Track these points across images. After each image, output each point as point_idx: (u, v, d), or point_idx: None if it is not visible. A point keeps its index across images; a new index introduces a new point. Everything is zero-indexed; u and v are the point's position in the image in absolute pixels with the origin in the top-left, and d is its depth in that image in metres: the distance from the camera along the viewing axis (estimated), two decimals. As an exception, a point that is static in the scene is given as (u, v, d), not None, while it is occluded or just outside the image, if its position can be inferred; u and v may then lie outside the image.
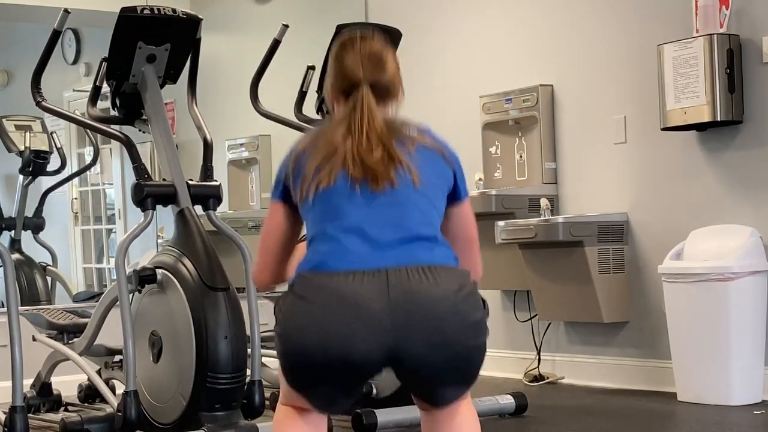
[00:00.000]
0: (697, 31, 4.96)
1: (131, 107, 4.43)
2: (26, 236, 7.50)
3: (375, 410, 4.38)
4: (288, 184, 2.38)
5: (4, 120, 7.31)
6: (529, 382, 5.74)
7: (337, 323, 2.19)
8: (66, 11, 4.35)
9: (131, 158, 4.30)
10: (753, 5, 4.89)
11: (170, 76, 4.42)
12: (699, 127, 5.03)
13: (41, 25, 6.62)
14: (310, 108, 4.94)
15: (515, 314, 6.01)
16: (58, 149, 7.57)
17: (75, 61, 9.33)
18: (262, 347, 4.30)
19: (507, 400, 4.73)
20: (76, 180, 8.90)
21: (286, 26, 4.89)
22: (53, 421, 4.57)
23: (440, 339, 2.21)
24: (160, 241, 7.03)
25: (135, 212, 4.77)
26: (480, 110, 6.03)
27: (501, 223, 5.58)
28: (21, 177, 7.41)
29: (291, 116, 4.97)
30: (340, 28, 4.69)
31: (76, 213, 9.50)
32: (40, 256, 7.57)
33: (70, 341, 4.70)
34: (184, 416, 4.05)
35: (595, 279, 5.34)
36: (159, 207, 4.30)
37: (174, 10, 4.34)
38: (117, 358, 4.57)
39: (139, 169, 4.26)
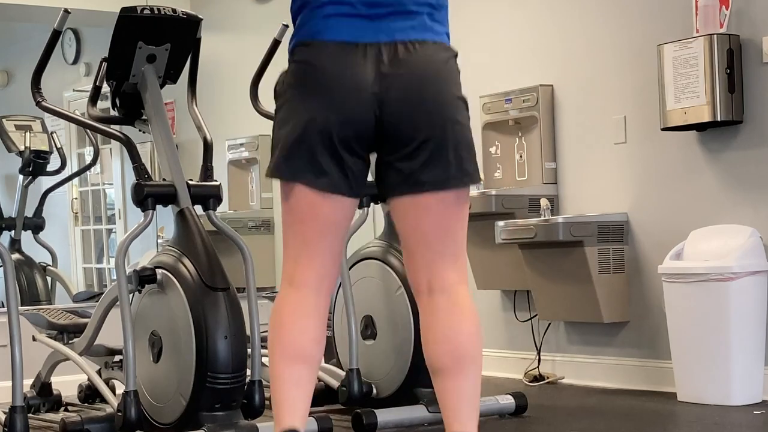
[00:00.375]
0: (697, 31, 4.96)
1: (131, 107, 4.43)
2: (26, 236, 7.50)
3: (375, 410, 4.38)
4: None
5: (4, 120, 7.31)
6: (529, 382, 5.74)
7: (336, 87, 2.28)
8: (66, 11, 4.35)
9: (131, 158, 4.30)
10: (753, 5, 4.89)
11: (170, 76, 4.42)
12: (699, 127, 5.03)
13: (41, 25, 6.62)
14: (309, 108, 4.93)
15: (515, 314, 6.01)
16: (58, 149, 7.57)
17: (75, 61, 9.34)
18: (262, 347, 4.30)
19: (507, 400, 4.73)
20: (76, 180, 8.91)
21: (286, 26, 4.89)
22: (53, 421, 4.57)
23: (420, 102, 2.28)
24: (160, 241, 7.03)
25: (135, 212, 4.77)
26: (480, 110, 6.03)
27: (501, 223, 5.58)
28: (21, 177, 7.42)
29: (291, 116, 4.96)
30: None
31: (76, 213, 9.51)
32: (40, 256, 7.57)
33: (70, 341, 4.70)
34: (184, 416, 4.05)
35: (595, 279, 5.34)
36: (159, 207, 4.30)
37: (174, 10, 4.34)
38: (117, 358, 4.57)
39: (139, 169, 4.26)
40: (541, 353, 5.82)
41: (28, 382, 4.69)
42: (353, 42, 2.29)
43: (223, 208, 5.01)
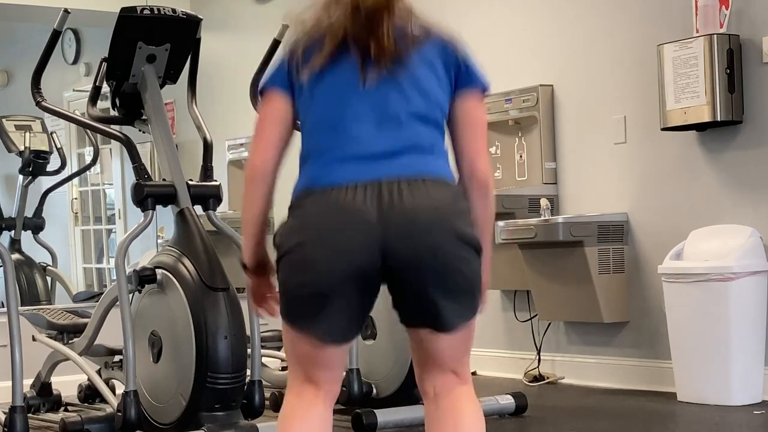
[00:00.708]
0: (697, 31, 4.96)
1: (131, 107, 4.43)
2: (26, 236, 7.50)
3: (375, 410, 4.38)
4: (291, 70, 2.33)
5: (4, 120, 7.31)
6: (529, 382, 5.74)
7: (335, 234, 2.22)
8: (66, 11, 4.36)
9: (131, 158, 4.31)
10: (753, 5, 4.89)
11: (170, 76, 4.43)
12: (699, 127, 5.02)
13: (41, 25, 6.62)
14: (310, 108, 4.93)
15: (515, 314, 6.01)
16: (58, 149, 7.57)
17: (75, 61, 9.34)
18: (262, 347, 4.31)
19: (507, 400, 4.73)
20: (76, 180, 8.92)
21: (286, 26, 4.88)
22: (53, 421, 4.57)
23: (428, 245, 2.22)
24: (160, 241, 7.04)
25: (135, 212, 4.78)
26: (480, 110, 6.01)
27: (501, 223, 5.58)
28: (21, 177, 7.42)
29: (291, 116, 4.96)
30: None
31: (76, 213, 9.52)
32: (40, 256, 7.58)
33: (70, 341, 4.70)
34: (184, 416, 4.05)
35: (595, 279, 5.34)
36: (159, 207, 4.30)
37: (174, 10, 4.35)
38: (117, 358, 4.57)
39: (139, 169, 4.27)
40: (541, 353, 5.82)
41: (28, 382, 4.69)
42: (353, 183, 2.22)
43: (223, 208, 5.02)
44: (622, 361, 5.47)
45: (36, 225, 7.54)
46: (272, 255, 2.38)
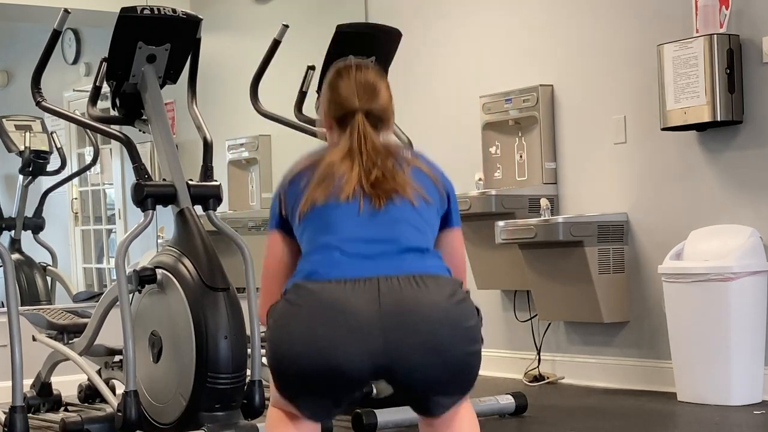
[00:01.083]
0: (697, 31, 4.96)
1: (131, 107, 4.43)
2: (26, 236, 7.49)
3: (375, 410, 4.38)
4: (284, 211, 2.40)
5: (4, 120, 7.31)
6: (529, 382, 5.74)
7: (325, 329, 2.20)
8: (66, 11, 4.36)
9: (131, 158, 4.30)
10: (753, 5, 4.89)
11: (170, 76, 4.43)
12: (699, 127, 5.02)
13: (41, 25, 6.62)
14: (310, 108, 4.94)
15: (515, 314, 6.01)
16: (58, 149, 7.57)
17: (75, 61, 9.33)
18: (262, 347, 4.30)
19: (507, 400, 4.73)
20: (76, 180, 8.90)
21: (286, 26, 4.89)
22: (53, 421, 4.57)
23: (432, 346, 2.21)
24: (160, 241, 7.03)
25: (135, 212, 4.77)
26: (480, 110, 6.03)
27: (501, 223, 5.58)
28: (21, 177, 7.41)
29: (291, 116, 4.97)
30: (339, 28, 4.70)
31: (76, 213, 9.50)
32: (40, 256, 7.57)
33: (70, 341, 4.70)
34: (184, 416, 4.05)
35: (595, 279, 5.34)
36: (159, 207, 4.30)
37: (174, 10, 4.34)
38: (117, 358, 4.57)
39: (139, 169, 4.26)
40: (541, 353, 5.82)
41: (28, 382, 4.69)
42: (352, 278, 2.23)
43: (223, 208, 5.01)
44: (622, 361, 5.47)
45: (36, 225, 7.54)
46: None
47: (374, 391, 4.68)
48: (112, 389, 4.50)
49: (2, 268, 4.30)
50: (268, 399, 4.39)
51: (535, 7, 5.95)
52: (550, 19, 5.87)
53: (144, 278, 4.16)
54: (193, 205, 4.28)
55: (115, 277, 4.31)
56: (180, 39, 4.36)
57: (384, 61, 4.51)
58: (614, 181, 5.52)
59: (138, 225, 4.23)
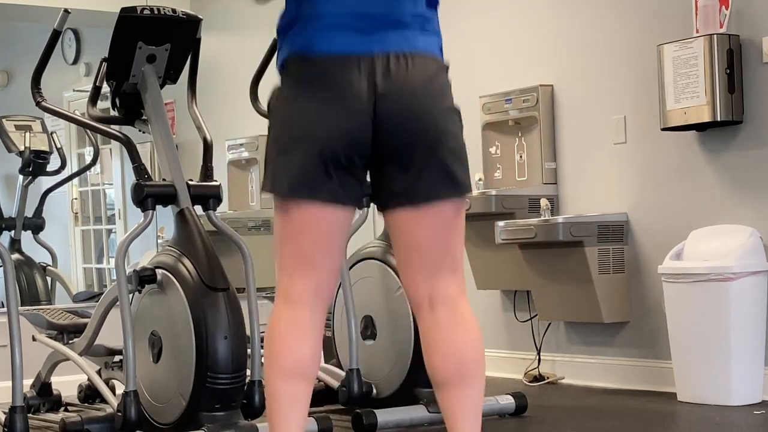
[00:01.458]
0: (697, 31, 4.96)
1: (131, 107, 4.43)
2: (26, 236, 7.50)
3: (375, 410, 4.38)
4: None
5: (4, 120, 7.31)
6: (529, 382, 5.74)
7: (332, 101, 2.27)
8: (66, 11, 4.36)
9: (131, 158, 4.30)
10: (753, 5, 4.89)
11: (170, 76, 4.42)
12: (699, 127, 5.03)
13: (41, 25, 6.62)
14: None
15: (515, 314, 6.01)
16: (58, 149, 7.57)
17: (75, 61, 9.33)
18: (262, 347, 4.30)
19: (507, 400, 4.73)
20: (76, 180, 8.91)
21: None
22: (53, 421, 4.56)
23: (415, 115, 2.29)
24: (160, 241, 7.03)
25: (135, 212, 4.77)
26: (480, 110, 6.03)
27: (501, 223, 5.58)
28: (21, 177, 7.42)
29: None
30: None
31: (76, 213, 9.51)
32: (40, 256, 7.57)
33: (70, 341, 4.70)
34: (184, 416, 4.05)
35: (595, 279, 5.34)
36: (159, 207, 4.30)
37: (174, 10, 4.34)
38: (117, 358, 4.57)
39: (139, 169, 4.26)
40: (541, 353, 5.82)
41: (28, 382, 4.69)
42: (347, 54, 2.28)
43: (223, 208, 5.02)
44: (622, 361, 5.47)
45: (36, 225, 7.54)
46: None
47: (374, 391, 4.69)
48: (112, 389, 4.50)
49: (2, 268, 4.30)
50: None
51: (535, 8, 5.95)
52: (550, 20, 5.87)
53: (144, 278, 4.16)
54: (193, 205, 4.28)
55: (115, 277, 4.31)
56: (180, 39, 4.36)
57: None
58: (614, 181, 5.52)
59: (138, 225, 4.23)
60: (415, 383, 4.56)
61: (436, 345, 2.35)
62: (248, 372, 4.15)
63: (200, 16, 4.47)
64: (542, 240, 5.41)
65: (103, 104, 4.82)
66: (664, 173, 5.29)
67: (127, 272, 4.13)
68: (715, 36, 4.87)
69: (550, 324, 5.81)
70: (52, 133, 7.50)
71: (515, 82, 5.93)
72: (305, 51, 2.32)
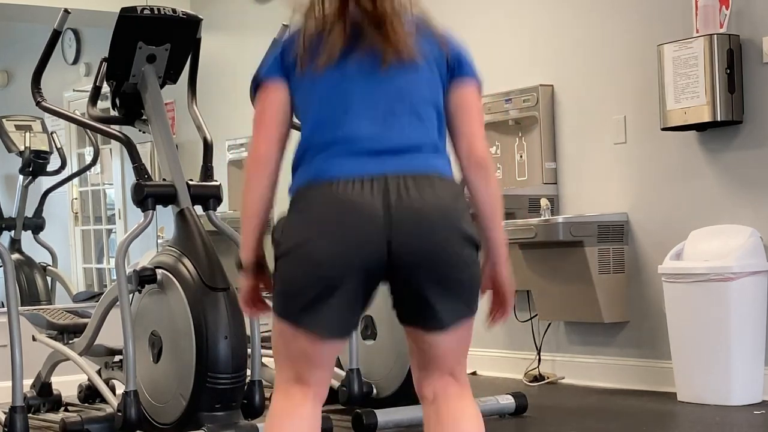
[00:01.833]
0: (697, 31, 4.96)
1: (131, 107, 4.43)
2: (26, 236, 7.50)
3: (375, 410, 4.38)
4: (289, 58, 2.32)
5: (4, 120, 7.31)
6: (529, 382, 5.74)
7: (341, 228, 2.20)
8: (66, 11, 4.36)
9: (131, 158, 4.30)
10: (753, 5, 4.89)
11: (170, 76, 4.43)
12: (699, 127, 5.02)
13: (41, 25, 6.61)
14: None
15: (515, 314, 6.00)
16: (58, 149, 7.57)
17: (75, 61, 9.34)
18: (262, 347, 4.30)
19: (507, 400, 4.73)
20: (76, 180, 8.92)
21: (287, 26, 4.88)
22: (53, 421, 4.57)
23: (430, 244, 2.22)
24: (160, 241, 7.03)
25: (135, 212, 4.78)
26: (480, 110, 6.02)
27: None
28: (21, 177, 7.42)
29: (291, 116, 4.96)
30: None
31: (76, 213, 9.51)
32: (40, 256, 7.57)
33: (70, 341, 4.70)
34: (184, 416, 4.05)
35: (595, 279, 5.34)
36: (159, 207, 4.30)
37: (174, 10, 4.34)
38: (117, 358, 4.57)
39: (139, 169, 4.26)
40: (541, 353, 5.82)
41: (28, 382, 4.69)
42: (359, 176, 2.21)
43: (223, 208, 5.01)
44: (622, 361, 5.47)
45: (36, 225, 7.54)
46: (270, 253, 2.35)
47: (374, 391, 4.69)
48: (112, 389, 4.50)
49: (2, 268, 4.30)
50: (268, 399, 4.41)
51: (536, 8, 5.95)
52: (550, 19, 5.87)
53: (144, 278, 4.16)
54: (193, 205, 4.28)
55: (115, 277, 4.32)
56: (180, 39, 4.36)
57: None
58: (614, 181, 5.52)
59: (138, 225, 4.23)
60: (416, 383, 4.55)
61: (435, 429, 2.40)
62: (248, 372, 4.15)
63: (200, 16, 4.47)
64: (542, 240, 5.41)
65: (103, 104, 4.82)
66: (664, 173, 5.29)
67: (127, 272, 4.13)
68: (715, 36, 4.87)
69: (550, 324, 5.81)
70: (52, 133, 7.51)
71: (515, 82, 5.93)
72: (317, 178, 2.24)
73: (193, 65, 4.53)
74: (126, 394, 4.02)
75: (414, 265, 2.23)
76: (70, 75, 9.26)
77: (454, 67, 2.37)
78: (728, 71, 4.87)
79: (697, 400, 4.79)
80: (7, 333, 4.11)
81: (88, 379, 4.59)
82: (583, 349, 5.69)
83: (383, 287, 2.31)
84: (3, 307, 5.00)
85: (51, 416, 4.73)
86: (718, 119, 4.88)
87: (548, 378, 5.74)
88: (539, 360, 5.82)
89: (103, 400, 4.53)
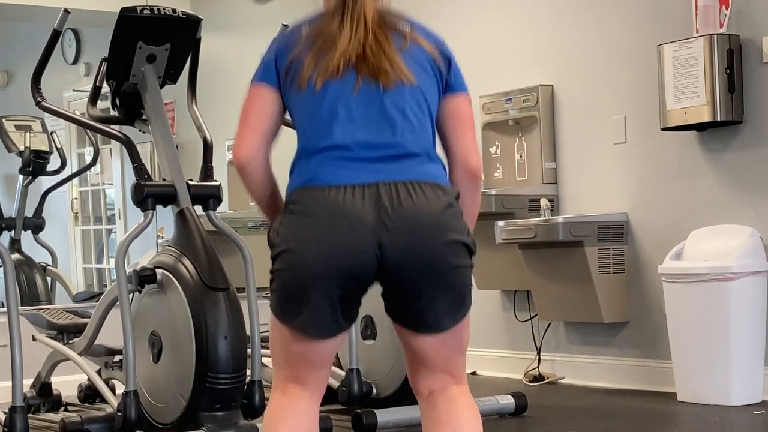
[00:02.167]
0: (697, 31, 4.96)
1: (131, 107, 4.43)
2: (26, 236, 7.50)
3: (375, 410, 4.38)
4: (282, 69, 2.35)
5: (4, 120, 7.31)
6: (529, 382, 5.74)
7: (335, 234, 2.23)
8: (66, 11, 4.36)
9: (131, 158, 4.30)
10: (753, 5, 4.89)
11: (170, 76, 4.42)
12: (699, 127, 5.03)
13: (41, 25, 6.61)
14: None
15: (515, 314, 6.01)
16: (58, 149, 7.57)
17: (75, 61, 9.33)
18: (262, 347, 4.30)
19: (507, 400, 4.73)
20: (76, 180, 8.90)
21: (286, 26, 4.87)
22: (53, 421, 4.57)
23: (422, 250, 2.24)
24: (160, 241, 7.03)
25: (135, 212, 4.77)
26: (480, 110, 6.03)
27: (501, 223, 5.58)
28: (21, 177, 7.41)
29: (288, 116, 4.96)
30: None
31: (76, 213, 9.50)
32: (40, 256, 7.57)
33: (70, 341, 4.70)
34: (184, 416, 4.05)
35: (595, 279, 5.34)
36: (159, 207, 4.30)
37: (174, 10, 4.34)
38: (117, 358, 4.58)
39: (139, 169, 4.26)
40: (541, 353, 5.82)
41: (28, 382, 4.69)
42: (351, 184, 2.24)
43: (223, 208, 5.01)
44: (622, 361, 5.47)
45: (36, 225, 7.54)
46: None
47: (374, 391, 4.69)
48: (112, 389, 4.50)
49: (2, 268, 4.30)
50: (268, 399, 4.41)
51: (536, 8, 5.95)
52: (550, 19, 5.87)
53: (144, 278, 4.16)
54: (193, 205, 4.28)
55: (115, 277, 4.31)
56: (180, 39, 4.36)
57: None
58: (614, 181, 5.52)
59: (138, 225, 4.23)
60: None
61: (433, 426, 2.41)
62: (248, 372, 4.15)
63: (200, 16, 4.47)
64: (542, 240, 5.42)
65: (103, 104, 4.82)
66: (664, 173, 5.29)
67: (127, 272, 4.13)
68: (715, 36, 4.87)
69: (550, 324, 5.81)
70: (52, 133, 7.50)
71: (515, 82, 5.93)
72: (311, 182, 2.28)
73: (193, 65, 4.53)
74: (126, 394, 4.02)
75: (405, 272, 2.25)
76: (70, 75, 9.25)
77: (448, 80, 2.40)
78: (728, 71, 4.88)
79: (697, 400, 4.79)
80: (7, 333, 4.11)
81: (88, 379, 4.59)
82: (583, 349, 5.69)
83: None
84: (3, 307, 5.00)
85: (51, 416, 4.73)
86: (718, 119, 4.88)
87: (548, 378, 5.74)
88: (539, 360, 5.82)
89: (103, 400, 4.53)
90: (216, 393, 4.01)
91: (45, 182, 7.65)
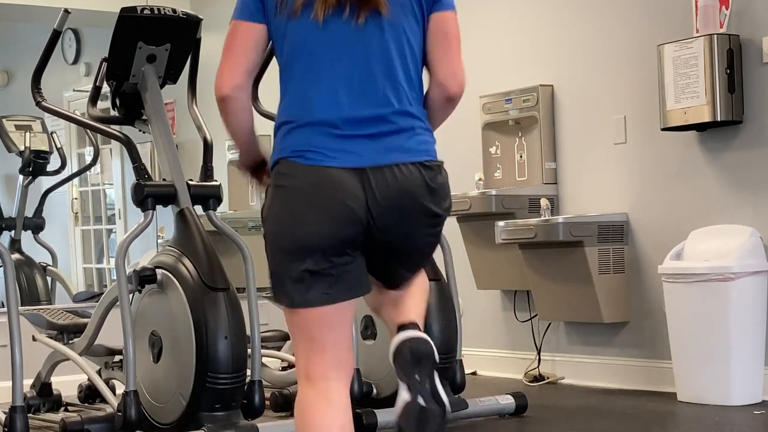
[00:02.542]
0: (697, 31, 4.96)
1: (131, 107, 4.44)
2: (26, 236, 7.50)
3: (375, 410, 4.38)
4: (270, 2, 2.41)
5: (4, 120, 7.31)
6: (529, 382, 5.74)
7: (328, 205, 2.31)
8: (66, 11, 4.36)
9: (131, 158, 4.31)
10: (753, 5, 4.89)
11: (170, 76, 4.43)
12: (699, 127, 5.02)
13: (41, 25, 6.62)
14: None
15: (515, 314, 6.01)
16: (58, 149, 7.57)
17: (75, 61, 9.34)
18: (262, 347, 4.31)
19: (507, 400, 4.73)
20: (76, 180, 8.92)
21: (286, 26, 4.88)
22: (53, 421, 4.57)
23: (402, 227, 2.37)
24: (160, 241, 7.03)
25: (135, 212, 4.78)
26: (480, 110, 6.03)
27: (501, 223, 5.58)
28: (21, 177, 7.42)
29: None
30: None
31: (76, 213, 9.52)
32: (40, 256, 7.58)
33: (70, 341, 4.70)
34: (184, 416, 4.05)
35: (595, 279, 5.34)
36: (159, 207, 4.30)
37: (174, 10, 4.35)
38: (117, 358, 4.58)
39: (139, 169, 4.27)
40: (541, 353, 5.82)
41: (28, 382, 4.69)
42: (340, 167, 2.31)
43: (223, 208, 5.02)
44: (622, 361, 5.47)
45: (36, 225, 7.55)
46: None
47: (374, 391, 4.69)
48: (112, 389, 4.50)
49: (2, 268, 4.31)
50: (268, 399, 4.42)
51: (536, 8, 5.95)
52: (550, 19, 5.87)
53: (144, 278, 4.16)
54: (193, 205, 4.28)
55: (115, 277, 4.32)
56: (180, 39, 4.36)
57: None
58: (614, 181, 5.52)
59: (138, 225, 4.23)
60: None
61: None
62: (248, 372, 4.15)
63: (200, 16, 4.47)
64: (542, 240, 5.42)
65: (103, 104, 4.82)
66: (664, 173, 5.29)
67: (127, 272, 4.13)
68: (715, 36, 4.87)
69: (550, 324, 5.81)
70: (52, 133, 7.51)
71: (515, 82, 5.93)
72: (299, 154, 2.34)
73: (193, 65, 4.54)
74: (126, 394, 4.02)
75: (386, 243, 2.37)
76: (70, 75, 9.26)
77: (431, 3, 2.42)
78: (728, 71, 4.87)
79: (697, 400, 4.79)
80: (7, 333, 4.11)
81: (88, 379, 4.59)
82: (583, 349, 5.69)
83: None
84: (3, 307, 5.00)
85: (51, 416, 4.73)
86: (718, 119, 4.88)
87: (548, 378, 5.74)
88: (539, 360, 5.82)
89: (103, 400, 4.53)
90: (216, 393, 4.01)
91: (45, 182, 7.66)
